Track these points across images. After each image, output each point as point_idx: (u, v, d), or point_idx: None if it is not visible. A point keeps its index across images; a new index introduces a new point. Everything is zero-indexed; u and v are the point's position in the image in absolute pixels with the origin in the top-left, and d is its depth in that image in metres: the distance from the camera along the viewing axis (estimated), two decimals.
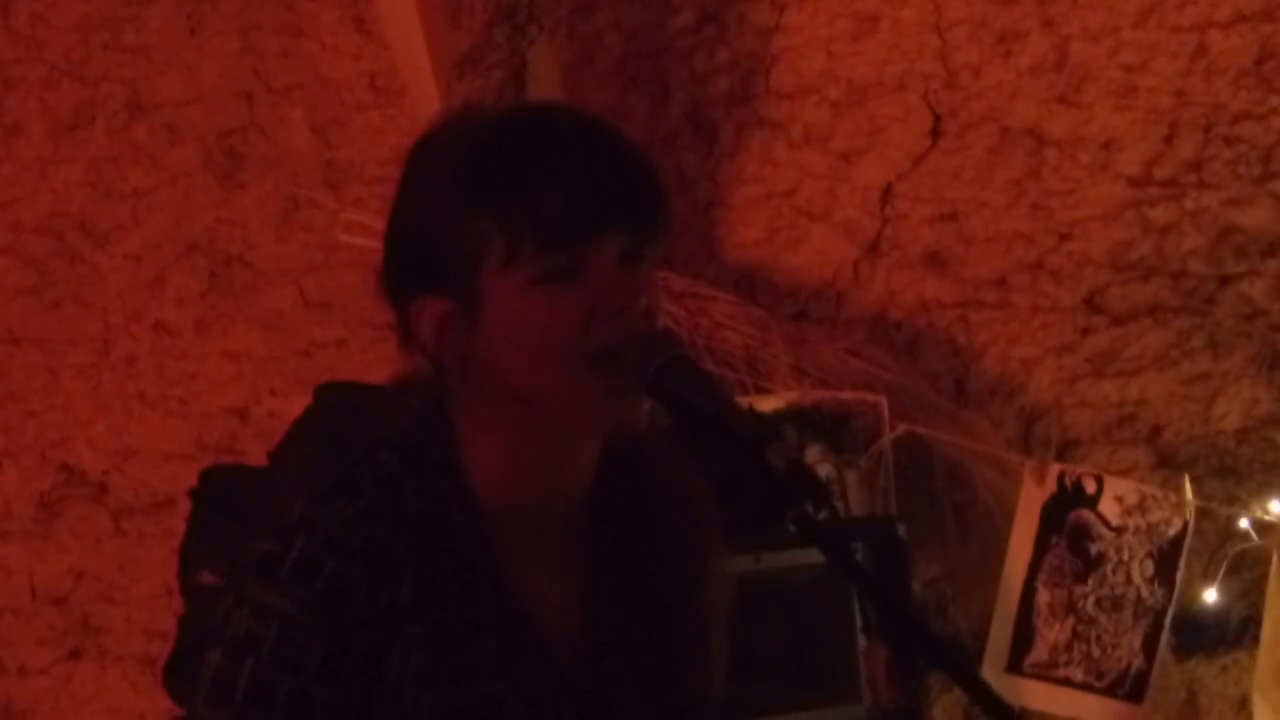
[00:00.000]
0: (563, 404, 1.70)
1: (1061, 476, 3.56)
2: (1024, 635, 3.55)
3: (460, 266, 1.70)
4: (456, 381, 1.75)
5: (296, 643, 1.65)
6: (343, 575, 1.66)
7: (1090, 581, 3.58)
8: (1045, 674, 3.56)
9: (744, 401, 3.47)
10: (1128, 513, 3.57)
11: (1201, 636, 3.85)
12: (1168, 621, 3.63)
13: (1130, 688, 3.60)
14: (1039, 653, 3.56)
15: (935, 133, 3.89)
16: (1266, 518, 3.67)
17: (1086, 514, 3.57)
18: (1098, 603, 3.58)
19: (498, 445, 1.76)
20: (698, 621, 1.89)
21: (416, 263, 1.74)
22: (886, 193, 3.92)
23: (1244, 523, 3.69)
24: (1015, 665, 3.55)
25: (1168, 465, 3.84)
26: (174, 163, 4.15)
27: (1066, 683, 3.58)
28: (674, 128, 4.01)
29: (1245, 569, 3.76)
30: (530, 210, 1.67)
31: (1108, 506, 3.57)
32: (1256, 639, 3.67)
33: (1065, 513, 3.56)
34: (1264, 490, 3.76)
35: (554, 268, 1.68)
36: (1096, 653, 3.58)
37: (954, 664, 1.65)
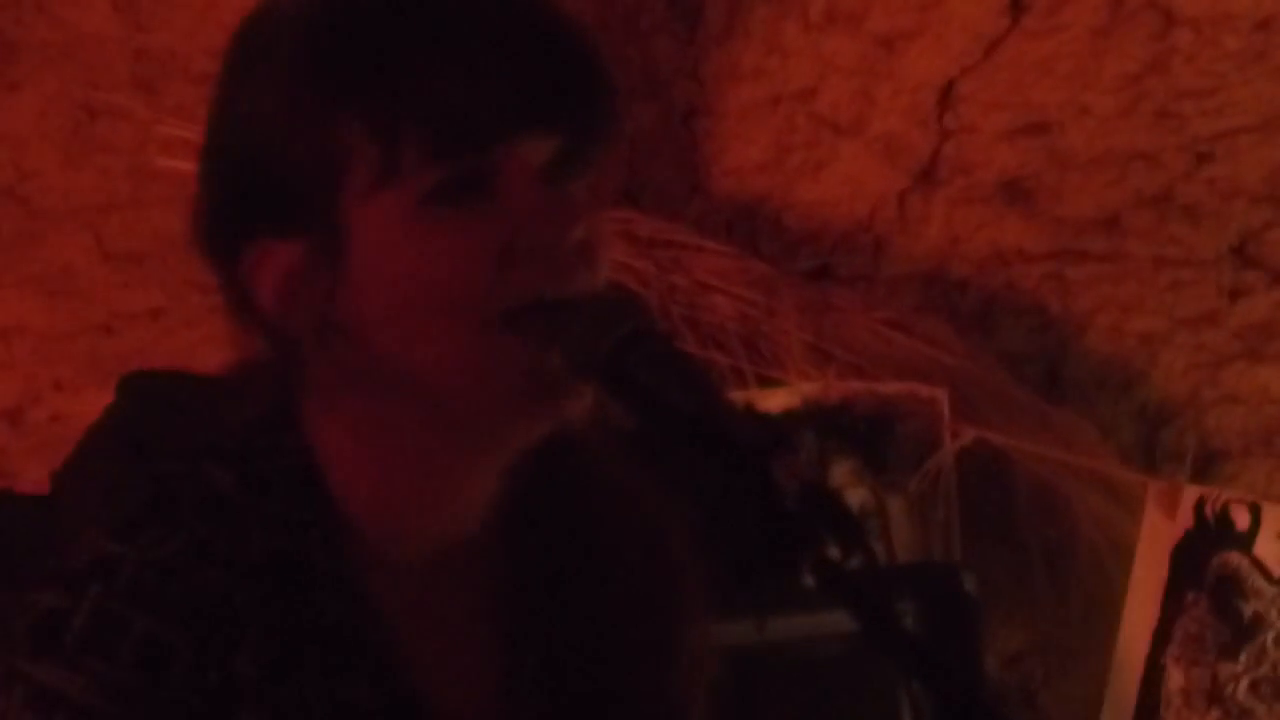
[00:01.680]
0: (464, 385, 1.70)
1: (1200, 504, 3.60)
2: None
3: (313, 190, 1.69)
4: (313, 361, 1.75)
5: None
6: (157, 639, 1.66)
7: (1243, 657, 3.62)
8: None
9: (740, 397, 3.49)
10: None
11: None
12: None
13: None
14: None
15: (1015, 7, 3.90)
16: None
17: (1237, 558, 3.61)
18: (1253, 687, 3.62)
19: (373, 452, 1.77)
20: (663, 712, 1.91)
21: (248, 193, 1.73)
22: (946, 95, 3.95)
23: None
24: None
25: None
26: None
27: None
28: (642, 2, 4.02)
29: None
30: (414, 98, 1.67)
31: (1267, 548, 3.60)
32: None
33: (1207, 557, 3.60)
34: None
35: (451, 182, 1.67)
36: None
37: None
